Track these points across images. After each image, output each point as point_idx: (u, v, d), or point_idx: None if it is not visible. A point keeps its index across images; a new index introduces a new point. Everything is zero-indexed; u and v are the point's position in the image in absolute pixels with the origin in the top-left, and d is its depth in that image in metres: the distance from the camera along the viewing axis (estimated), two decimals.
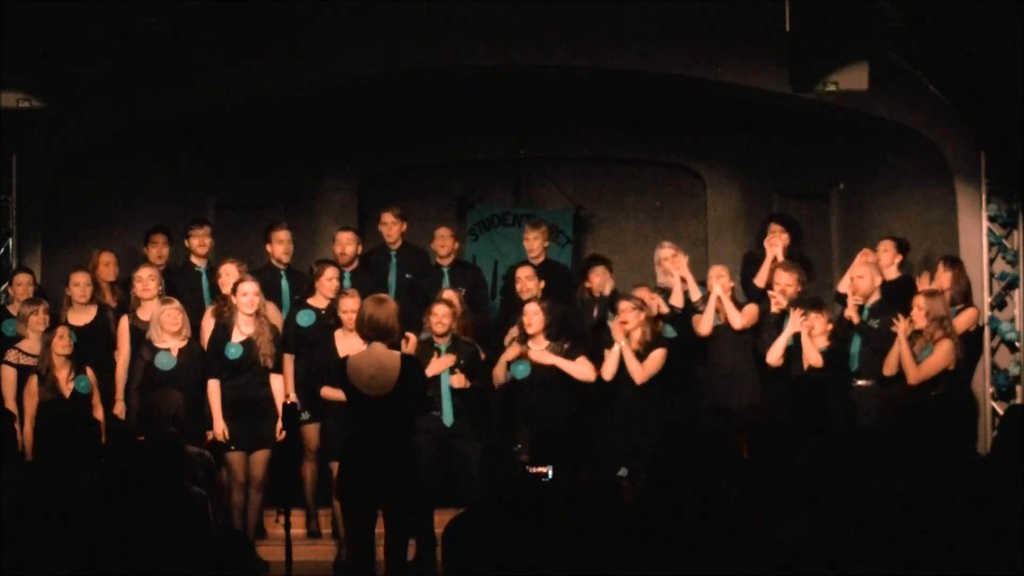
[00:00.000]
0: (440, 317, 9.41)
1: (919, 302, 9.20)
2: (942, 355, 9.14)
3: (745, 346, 9.76)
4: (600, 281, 10.26)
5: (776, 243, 10.15)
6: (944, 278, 9.62)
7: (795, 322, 9.30)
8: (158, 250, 10.42)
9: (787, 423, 6.00)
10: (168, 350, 9.43)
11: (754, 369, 9.73)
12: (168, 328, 9.44)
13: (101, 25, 9.83)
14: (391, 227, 10.71)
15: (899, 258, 10.04)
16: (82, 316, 9.81)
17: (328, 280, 9.89)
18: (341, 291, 9.80)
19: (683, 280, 10.01)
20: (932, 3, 9.03)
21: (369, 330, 7.76)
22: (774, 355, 9.37)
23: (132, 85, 10.43)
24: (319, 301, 9.90)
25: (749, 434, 5.98)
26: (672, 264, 10.09)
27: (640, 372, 9.40)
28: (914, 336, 9.18)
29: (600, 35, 10.50)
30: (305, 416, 9.51)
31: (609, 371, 9.46)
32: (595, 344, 9.81)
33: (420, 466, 8.26)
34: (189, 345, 9.53)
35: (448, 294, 9.83)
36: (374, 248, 11.01)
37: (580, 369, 9.49)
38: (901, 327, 9.13)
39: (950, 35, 9.10)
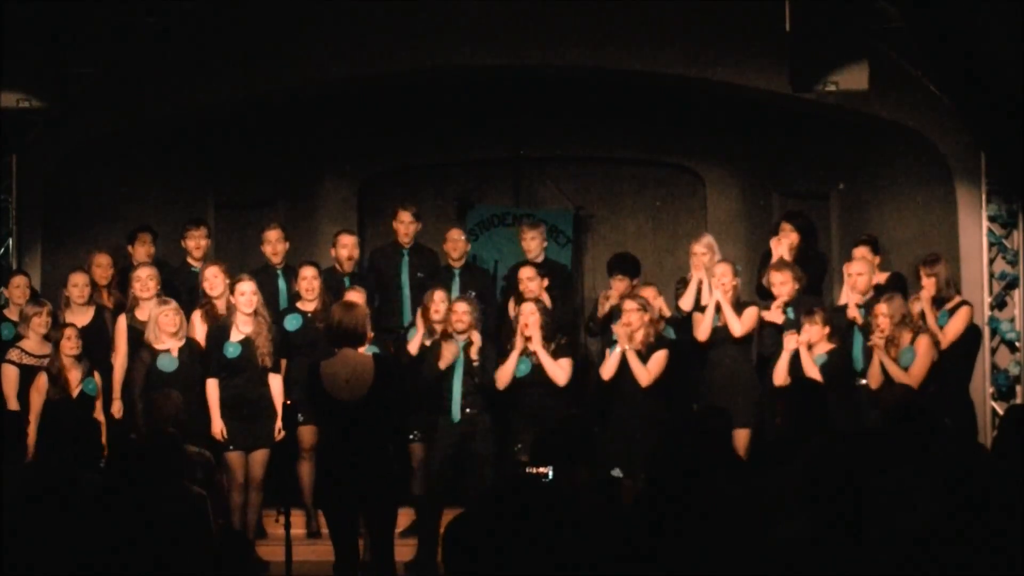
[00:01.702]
0: (460, 315, 9.44)
1: (882, 309, 9.17)
2: (926, 351, 9.15)
3: (744, 347, 9.75)
4: (616, 292, 10.15)
5: (783, 242, 10.13)
6: (929, 283, 9.55)
7: (790, 343, 9.26)
8: (146, 249, 10.40)
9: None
10: (168, 351, 9.44)
11: (753, 370, 9.73)
12: (166, 329, 9.44)
13: (101, 25, 9.83)
14: (408, 226, 10.69)
15: (877, 259, 10.02)
16: (81, 317, 9.80)
17: (303, 280, 9.89)
18: (345, 288, 9.84)
19: (700, 282, 9.98)
20: (932, 3, 9.03)
21: (339, 335, 7.76)
22: (779, 377, 9.28)
23: (132, 85, 10.43)
24: (306, 304, 9.90)
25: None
26: (695, 263, 10.05)
27: (645, 375, 9.38)
28: (888, 345, 9.15)
29: (600, 35, 10.50)
30: (301, 418, 9.50)
31: (608, 371, 9.45)
32: (600, 344, 9.82)
33: (411, 466, 8.29)
34: (188, 345, 9.53)
35: (439, 294, 9.82)
36: (380, 247, 11.00)
37: (556, 370, 9.45)
38: (876, 342, 9.10)
39: (950, 35, 9.10)
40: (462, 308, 9.49)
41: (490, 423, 9.48)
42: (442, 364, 9.37)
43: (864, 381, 9.35)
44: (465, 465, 9.46)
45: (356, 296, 9.46)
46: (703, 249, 10.08)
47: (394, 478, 7.86)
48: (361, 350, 7.88)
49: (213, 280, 9.78)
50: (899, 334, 9.13)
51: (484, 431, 9.44)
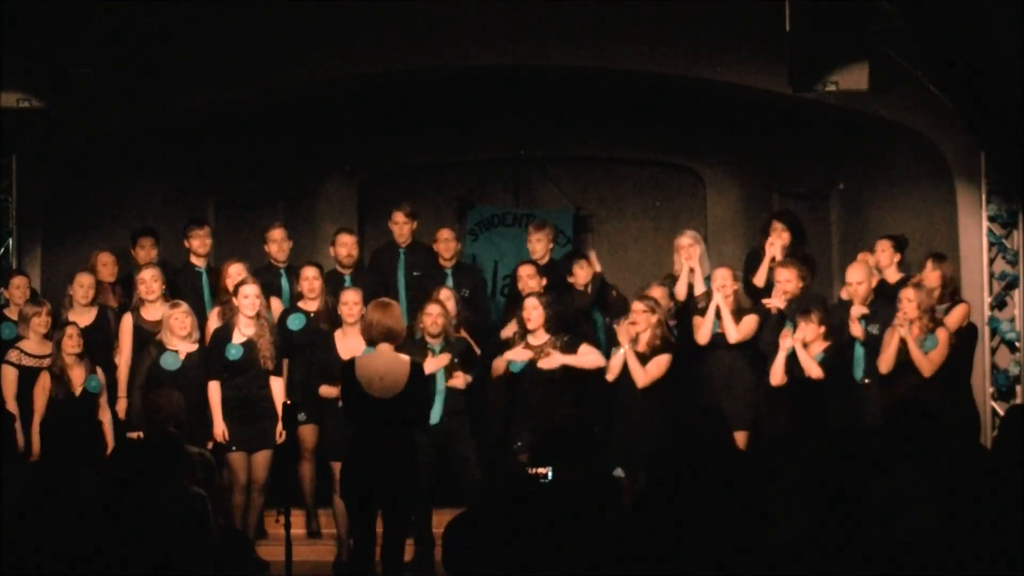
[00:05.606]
0: (435, 317, 9.43)
1: (908, 294, 9.21)
2: (945, 344, 9.21)
3: (743, 350, 9.73)
4: (583, 274, 10.24)
5: (776, 242, 10.13)
6: (933, 276, 9.60)
7: (785, 343, 9.24)
8: (146, 252, 10.40)
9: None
10: (176, 352, 9.44)
11: (751, 373, 9.71)
12: (177, 332, 9.44)
13: (101, 25, 9.83)
14: (402, 226, 10.70)
15: (897, 257, 10.03)
16: (84, 317, 9.79)
17: (305, 280, 9.89)
18: (343, 287, 9.85)
19: (691, 271, 10.01)
20: (932, 3, 9.03)
21: (377, 334, 7.90)
22: (775, 377, 9.24)
23: (132, 85, 10.43)
24: (308, 304, 9.90)
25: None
26: (685, 254, 10.08)
27: (642, 376, 9.36)
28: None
29: (600, 35, 10.50)
30: (302, 417, 9.49)
31: (613, 373, 9.44)
32: (592, 336, 9.85)
33: (419, 467, 8.34)
34: (199, 348, 9.54)
35: (445, 293, 9.84)
36: (380, 247, 11.01)
37: (588, 359, 9.48)
38: (902, 324, 9.12)
39: (950, 35, 9.10)
40: (435, 311, 9.45)
41: (470, 424, 9.48)
42: (427, 370, 9.36)
43: (867, 380, 9.34)
44: (449, 466, 9.44)
45: (354, 296, 9.48)
46: (689, 241, 10.14)
47: (417, 477, 7.98)
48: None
49: (237, 278, 9.77)
50: (924, 323, 9.16)
51: (465, 432, 9.44)
